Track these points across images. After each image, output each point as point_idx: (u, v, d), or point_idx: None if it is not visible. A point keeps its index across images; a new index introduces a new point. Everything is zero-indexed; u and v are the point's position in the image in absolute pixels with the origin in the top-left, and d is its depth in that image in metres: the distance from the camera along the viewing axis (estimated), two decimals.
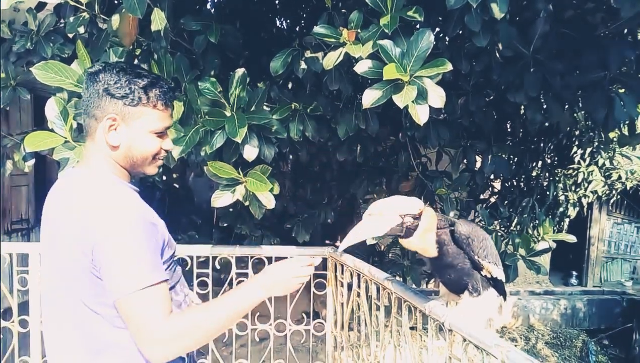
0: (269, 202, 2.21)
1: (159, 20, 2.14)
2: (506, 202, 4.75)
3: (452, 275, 1.68)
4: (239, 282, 2.88)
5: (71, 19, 2.34)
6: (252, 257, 2.91)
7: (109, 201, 1.22)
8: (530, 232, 4.07)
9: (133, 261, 1.17)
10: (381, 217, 1.55)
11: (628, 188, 7.13)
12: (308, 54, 2.33)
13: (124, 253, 1.17)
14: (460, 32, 2.18)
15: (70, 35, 2.38)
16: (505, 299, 1.79)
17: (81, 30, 2.31)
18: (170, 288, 1.34)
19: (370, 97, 1.73)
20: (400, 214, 1.55)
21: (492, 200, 4.87)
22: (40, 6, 2.84)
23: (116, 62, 1.35)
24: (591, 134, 4.90)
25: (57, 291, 1.28)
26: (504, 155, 3.30)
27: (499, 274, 1.69)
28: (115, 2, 2.58)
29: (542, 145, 4.89)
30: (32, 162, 3.05)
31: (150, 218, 1.26)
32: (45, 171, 5.15)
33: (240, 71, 2.16)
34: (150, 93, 1.29)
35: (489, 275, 1.67)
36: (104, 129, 1.27)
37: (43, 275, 1.34)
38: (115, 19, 2.18)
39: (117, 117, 1.27)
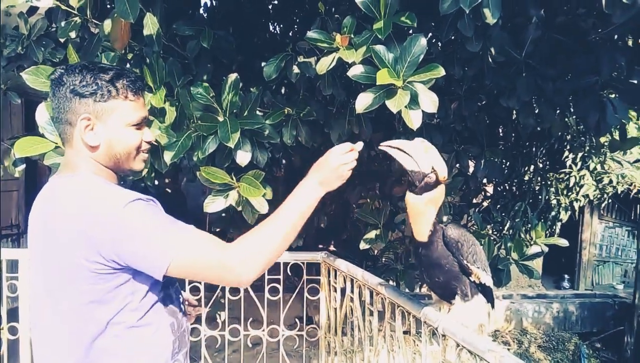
0: (262, 207, 2.20)
1: (151, 25, 2.13)
2: (499, 206, 4.78)
3: (440, 277, 1.67)
4: (231, 288, 2.86)
5: (63, 23, 2.32)
6: None
7: (108, 195, 1.20)
8: (522, 236, 4.09)
9: (157, 231, 1.17)
10: (423, 153, 1.54)
11: (619, 192, 7.20)
12: (301, 59, 2.33)
13: (146, 229, 1.16)
14: (453, 37, 2.19)
15: (62, 40, 2.36)
16: (493, 307, 1.79)
17: (73, 34, 2.29)
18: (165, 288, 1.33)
19: (363, 102, 1.73)
20: (433, 166, 1.54)
21: (485, 204, 4.90)
22: (32, 10, 2.82)
23: (77, 63, 1.30)
24: (582, 138, 4.95)
25: (50, 298, 1.25)
26: (496, 160, 3.31)
27: (488, 281, 1.69)
28: (107, 6, 2.57)
29: (534, 149, 4.93)
30: (22, 167, 3.02)
31: (145, 196, 1.25)
32: (36, 176, 5.11)
33: (233, 76, 2.16)
34: (118, 84, 1.25)
35: (477, 281, 1.67)
36: (80, 131, 1.24)
37: (33, 284, 1.30)
38: (107, 23, 2.17)
39: (91, 116, 1.24)
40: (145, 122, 1.35)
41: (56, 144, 1.86)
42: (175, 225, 1.21)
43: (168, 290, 1.36)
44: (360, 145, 1.44)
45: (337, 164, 1.37)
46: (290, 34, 3.66)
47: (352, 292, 2.54)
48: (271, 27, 3.85)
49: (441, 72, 1.64)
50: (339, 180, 1.38)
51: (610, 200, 7.76)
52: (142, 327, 1.26)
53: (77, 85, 1.22)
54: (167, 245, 1.16)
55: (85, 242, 1.16)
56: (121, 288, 1.21)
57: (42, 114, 1.81)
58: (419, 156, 1.55)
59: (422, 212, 1.61)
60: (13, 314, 2.79)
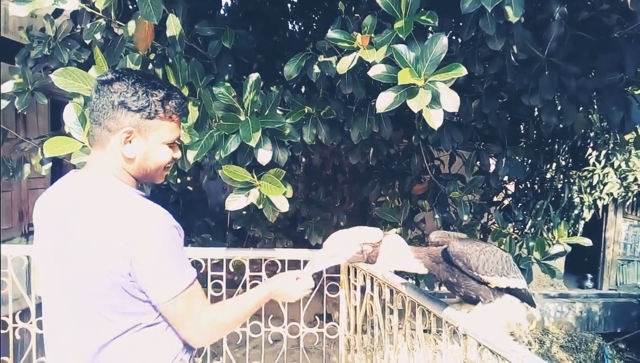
0: (283, 205, 2.22)
1: (174, 26, 2.16)
2: (520, 204, 4.72)
3: (461, 291, 1.68)
4: (252, 285, 2.90)
5: (88, 25, 2.37)
6: (265, 260, 2.93)
7: (139, 213, 1.23)
8: (544, 235, 4.03)
9: (173, 263, 1.24)
10: (341, 247, 1.62)
11: None
12: (321, 58, 2.34)
13: (163, 256, 1.22)
14: (474, 35, 2.18)
15: (87, 41, 2.41)
16: (534, 306, 1.76)
17: (98, 36, 2.34)
18: None
19: (384, 102, 1.73)
20: (360, 243, 1.62)
21: (506, 202, 4.85)
22: (57, 12, 2.88)
23: (129, 71, 1.32)
24: (606, 135, 4.86)
25: (67, 299, 1.27)
26: (518, 158, 3.28)
27: (512, 283, 1.65)
28: (131, 8, 2.61)
29: (556, 147, 4.86)
30: (49, 165, 3.09)
31: (174, 221, 1.28)
32: (61, 174, 5.18)
33: (254, 76, 2.18)
34: (167, 105, 1.29)
35: (499, 286, 1.65)
36: (120, 142, 1.26)
37: (48, 280, 1.32)
38: (131, 25, 2.21)
39: (134, 129, 1.26)
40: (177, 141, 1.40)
41: (83, 143, 1.90)
42: (184, 267, 1.29)
43: None
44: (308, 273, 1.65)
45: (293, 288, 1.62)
46: (310, 33, 3.67)
47: (372, 290, 2.55)
48: (291, 26, 3.87)
49: (463, 71, 1.63)
50: (284, 298, 1.63)
51: (635, 198, 7.59)
52: (153, 326, 1.28)
53: (127, 97, 1.24)
54: (174, 286, 1.24)
55: (118, 256, 1.18)
56: (140, 297, 1.24)
57: (70, 114, 1.85)
58: (342, 251, 1.63)
59: (392, 267, 1.74)
60: (41, 309, 2.86)
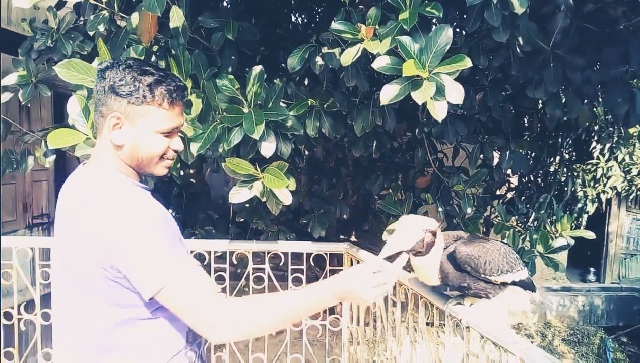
0: (286, 198, 2.22)
1: (177, 18, 2.15)
2: (523, 197, 4.71)
3: (469, 292, 1.70)
4: (255, 277, 2.91)
5: (91, 16, 2.37)
6: (268, 252, 2.93)
7: (120, 202, 1.20)
8: (548, 228, 4.03)
9: (157, 254, 1.17)
10: (408, 231, 1.56)
11: None
12: (325, 50, 2.33)
13: (146, 248, 1.16)
14: (479, 27, 2.16)
15: (91, 33, 2.40)
16: (534, 291, 1.79)
17: (101, 28, 2.33)
18: None
19: (388, 94, 1.72)
20: (423, 229, 1.57)
21: (509, 196, 4.84)
22: (60, 4, 2.88)
23: (126, 59, 1.29)
24: (611, 129, 4.83)
25: (66, 289, 1.28)
26: (521, 151, 3.27)
27: (516, 277, 1.68)
28: (134, 0, 2.61)
29: (560, 140, 4.84)
30: (52, 158, 3.10)
31: (163, 211, 1.25)
32: (65, 166, 5.24)
33: (257, 68, 2.17)
34: (156, 91, 1.24)
35: (505, 282, 1.67)
36: (109, 128, 1.24)
37: (55, 272, 1.33)
38: (135, 16, 2.20)
39: (121, 115, 1.23)
40: (177, 131, 1.34)
41: (87, 135, 1.91)
42: (179, 256, 1.21)
43: None
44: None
45: (366, 287, 1.27)
46: (314, 25, 3.66)
47: None
48: (294, 18, 3.85)
49: (468, 63, 1.62)
50: (358, 300, 1.30)
51: (639, 192, 7.57)
52: (155, 319, 1.26)
53: (116, 82, 1.22)
54: (162, 273, 1.16)
55: (100, 247, 1.17)
56: (128, 287, 1.21)
57: (74, 106, 1.85)
58: (408, 233, 1.57)
59: (430, 268, 1.65)
60: (46, 300, 2.88)
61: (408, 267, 1.65)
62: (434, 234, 1.60)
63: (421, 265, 1.65)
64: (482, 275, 1.61)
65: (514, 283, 1.68)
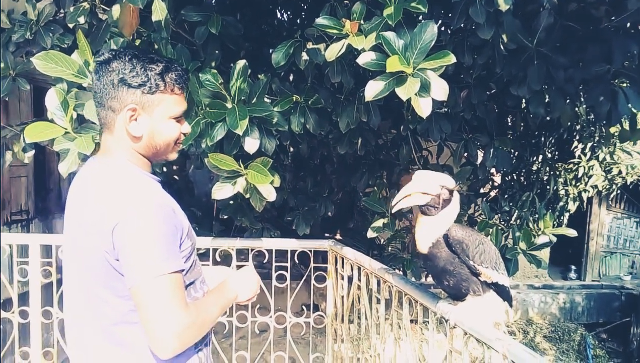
0: (270, 194, 2.20)
1: (159, 11, 2.12)
2: (506, 196, 4.75)
3: (450, 281, 1.65)
4: None
5: (71, 9, 2.32)
6: (252, 250, 2.91)
7: (129, 189, 1.21)
8: (530, 226, 4.07)
9: (149, 248, 1.16)
10: (425, 185, 1.54)
11: (628, 183, 7.14)
12: (310, 45, 2.32)
13: (141, 240, 1.15)
14: (464, 24, 2.17)
15: (70, 26, 2.35)
16: (511, 305, 1.75)
17: (81, 20, 2.29)
18: (190, 284, 1.33)
19: (373, 90, 1.71)
20: (441, 185, 1.55)
21: (493, 194, 4.88)
22: None
23: (125, 49, 1.30)
24: (592, 128, 4.90)
25: (77, 282, 1.29)
26: (505, 149, 3.29)
27: (500, 279, 1.65)
28: None
29: (543, 139, 4.90)
30: (31, 153, 3.03)
31: (171, 206, 1.25)
32: (44, 162, 5.14)
33: (241, 63, 2.15)
34: (167, 78, 1.26)
35: (489, 281, 1.65)
36: (125, 121, 1.24)
37: (67, 266, 1.33)
38: (116, 9, 2.16)
39: (137, 106, 1.24)
40: (184, 115, 1.36)
41: (66, 129, 1.87)
42: (166, 255, 1.18)
43: (193, 282, 1.36)
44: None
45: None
46: (299, 20, 3.64)
47: (359, 279, 2.55)
48: (279, 14, 3.83)
49: (452, 59, 1.62)
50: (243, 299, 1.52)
51: (619, 191, 7.70)
52: None
53: (126, 74, 1.22)
54: (145, 271, 1.15)
55: (107, 237, 1.17)
56: None
57: (52, 100, 1.81)
58: (425, 186, 1.54)
59: (434, 230, 1.60)
60: (23, 298, 2.82)
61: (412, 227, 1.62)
62: (451, 192, 1.57)
63: (427, 225, 1.59)
64: (471, 262, 1.58)
65: (495, 285, 1.66)
